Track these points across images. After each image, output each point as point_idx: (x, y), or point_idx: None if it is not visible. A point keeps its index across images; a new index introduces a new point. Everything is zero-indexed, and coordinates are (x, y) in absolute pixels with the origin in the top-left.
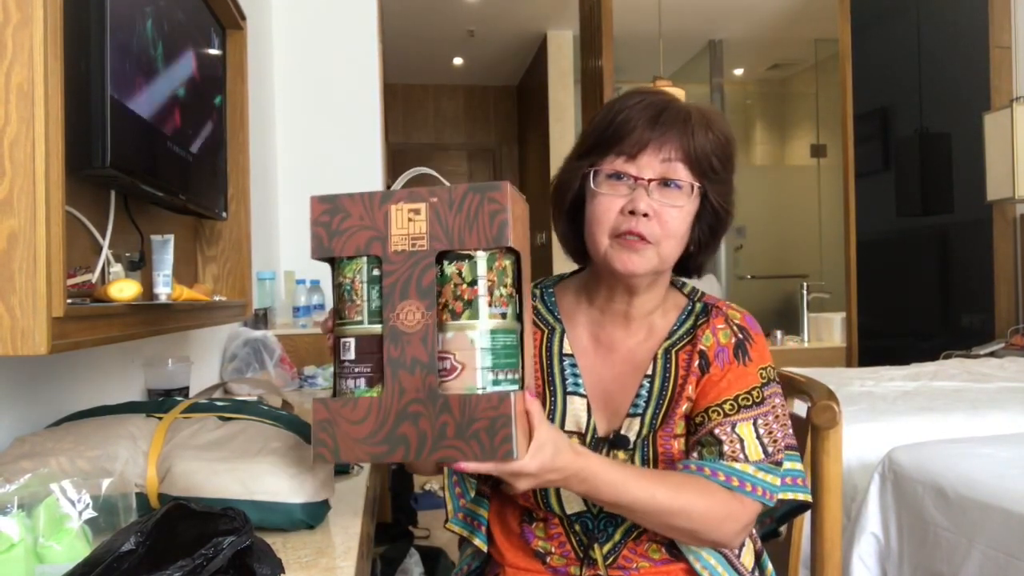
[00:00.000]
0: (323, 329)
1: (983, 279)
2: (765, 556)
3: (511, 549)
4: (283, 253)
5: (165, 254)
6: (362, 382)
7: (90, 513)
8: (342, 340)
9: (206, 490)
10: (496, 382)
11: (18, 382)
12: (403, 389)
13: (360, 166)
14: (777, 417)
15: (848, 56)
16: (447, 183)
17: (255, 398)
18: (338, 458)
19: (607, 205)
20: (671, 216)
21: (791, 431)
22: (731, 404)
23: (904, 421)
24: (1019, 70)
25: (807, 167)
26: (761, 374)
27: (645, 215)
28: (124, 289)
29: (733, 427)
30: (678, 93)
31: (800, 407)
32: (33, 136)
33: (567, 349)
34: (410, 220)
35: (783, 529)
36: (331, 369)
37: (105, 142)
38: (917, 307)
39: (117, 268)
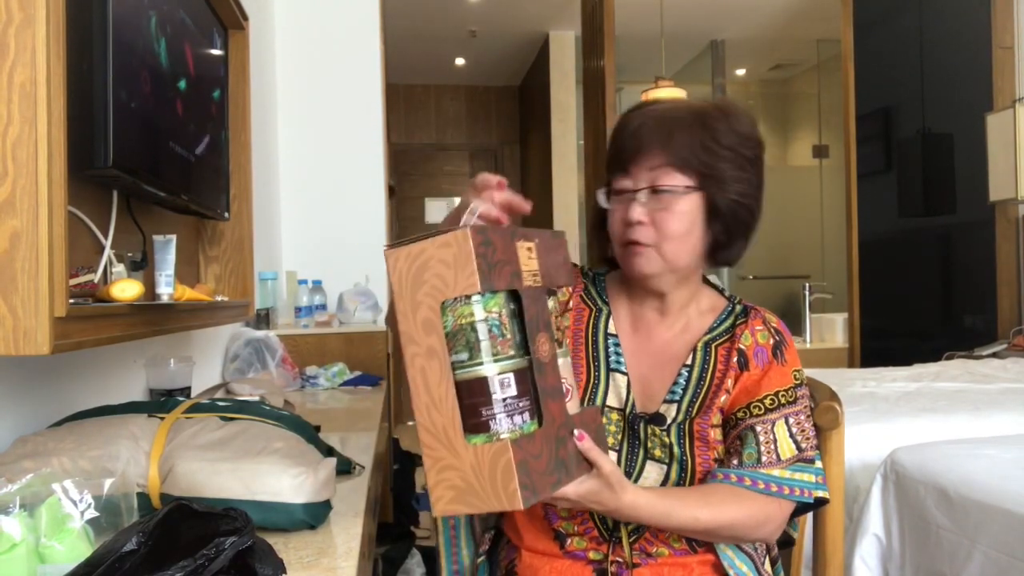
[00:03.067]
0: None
1: (985, 280)
2: (779, 565)
3: (532, 531)
4: (285, 253)
5: (167, 254)
6: (527, 416)
7: (92, 513)
8: (499, 377)
9: (208, 490)
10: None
11: (20, 382)
12: (553, 417)
13: (362, 166)
14: (808, 416)
15: (850, 56)
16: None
17: (257, 398)
18: (537, 497)
19: (614, 219)
20: (664, 219)
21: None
22: (771, 399)
23: (906, 422)
24: (1022, 70)
25: (809, 167)
26: (795, 375)
27: (639, 222)
28: (126, 289)
29: (772, 425)
30: (679, 94)
31: None
32: (36, 136)
33: (612, 329)
34: (529, 257)
35: (795, 534)
36: (333, 369)
37: (107, 142)
38: (919, 308)
39: (119, 268)
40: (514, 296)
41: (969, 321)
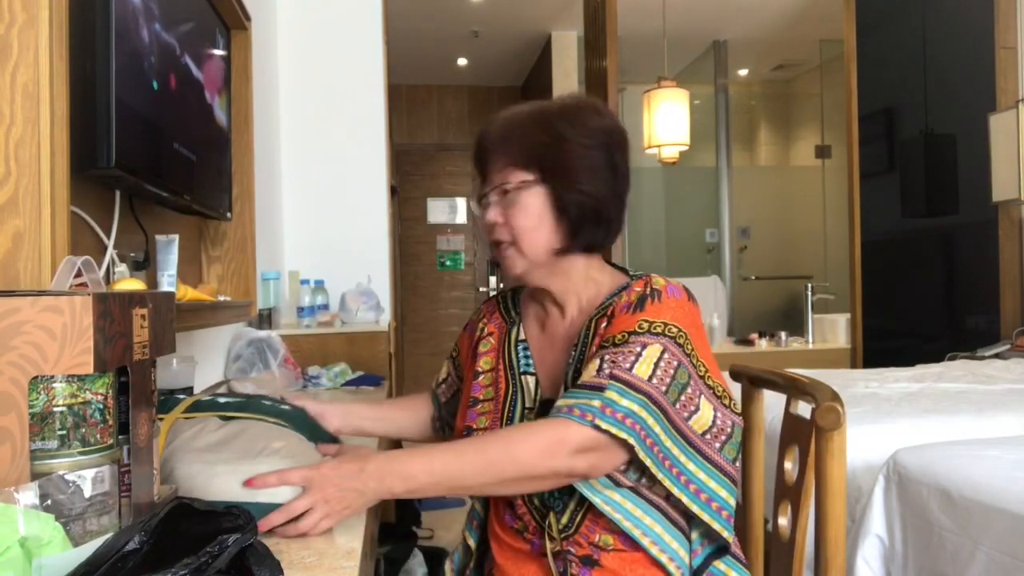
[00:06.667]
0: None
1: (988, 280)
2: (735, 562)
3: (503, 528)
4: (287, 253)
5: (169, 254)
6: (113, 515)
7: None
8: (95, 471)
9: (209, 492)
10: None
11: None
12: (140, 511)
13: (364, 166)
14: (636, 356)
15: (853, 57)
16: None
17: None
18: None
19: (482, 224)
20: (512, 215)
21: (661, 375)
22: (600, 349)
23: (909, 423)
24: None
25: (812, 168)
26: (640, 324)
27: (495, 223)
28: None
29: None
30: (681, 94)
31: (804, 409)
32: (38, 136)
33: (521, 336)
34: (142, 326)
35: (730, 537)
36: (335, 369)
37: (110, 142)
38: (922, 308)
39: (122, 268)
40: (122, 371)
41: (972, 322)
